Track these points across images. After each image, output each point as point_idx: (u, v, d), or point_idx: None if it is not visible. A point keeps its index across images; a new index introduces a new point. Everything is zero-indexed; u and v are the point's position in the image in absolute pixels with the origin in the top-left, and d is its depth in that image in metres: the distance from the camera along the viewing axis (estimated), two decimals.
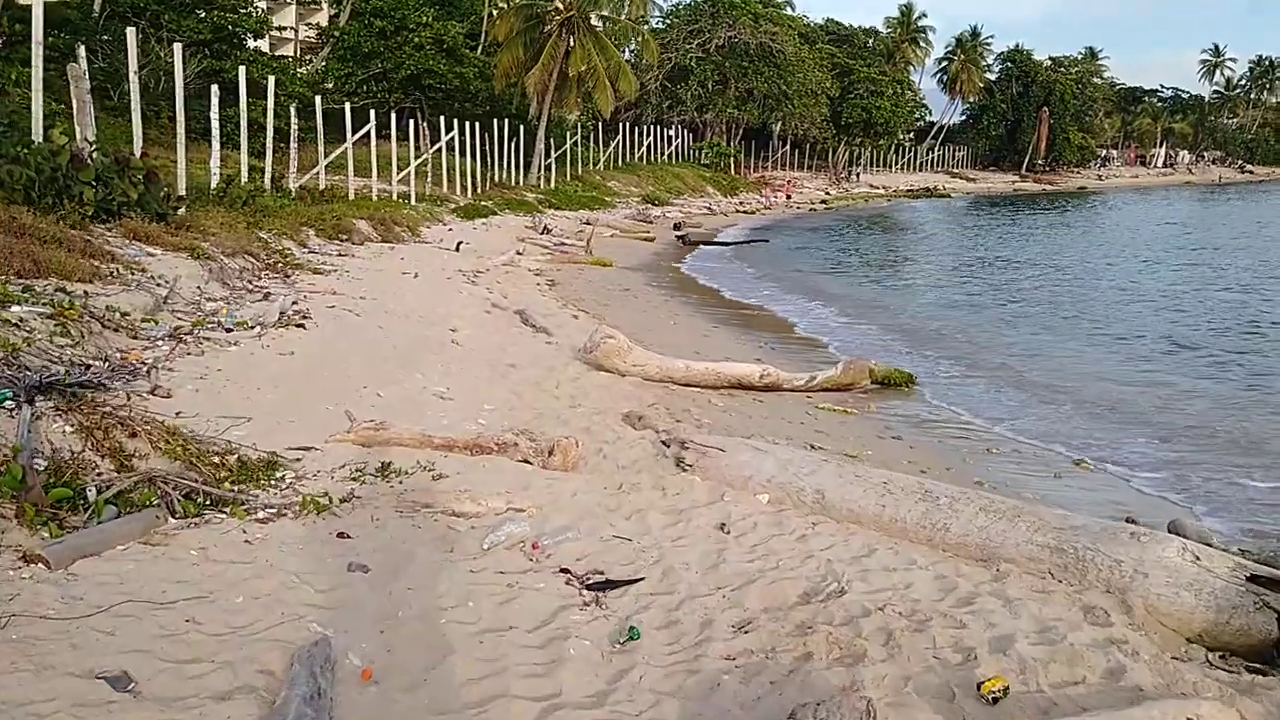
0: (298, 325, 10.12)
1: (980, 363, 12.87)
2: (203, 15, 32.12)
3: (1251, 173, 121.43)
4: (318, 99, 25.81)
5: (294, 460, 5.82)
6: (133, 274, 10.58)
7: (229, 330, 9.49)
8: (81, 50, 14.24)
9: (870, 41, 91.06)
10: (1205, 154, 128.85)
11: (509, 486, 5.60)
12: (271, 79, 22.47)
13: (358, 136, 26.18)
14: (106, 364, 7.32)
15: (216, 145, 19.07)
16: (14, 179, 11.48)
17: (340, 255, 17.72)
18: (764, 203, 59.20)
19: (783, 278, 24.76)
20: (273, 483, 5.42)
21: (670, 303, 17.93)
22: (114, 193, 12.82)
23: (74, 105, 14.44)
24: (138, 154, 14.89)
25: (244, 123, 20.32)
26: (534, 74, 41.89)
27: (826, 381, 10.15)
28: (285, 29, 50.85)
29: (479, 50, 45.98)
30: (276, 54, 43.41)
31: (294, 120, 23.43)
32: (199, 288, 11.64)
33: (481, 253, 21.47)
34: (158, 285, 10.58)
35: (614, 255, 25.45)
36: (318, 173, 24.68)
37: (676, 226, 40.08)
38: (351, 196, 25.43)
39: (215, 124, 18.93)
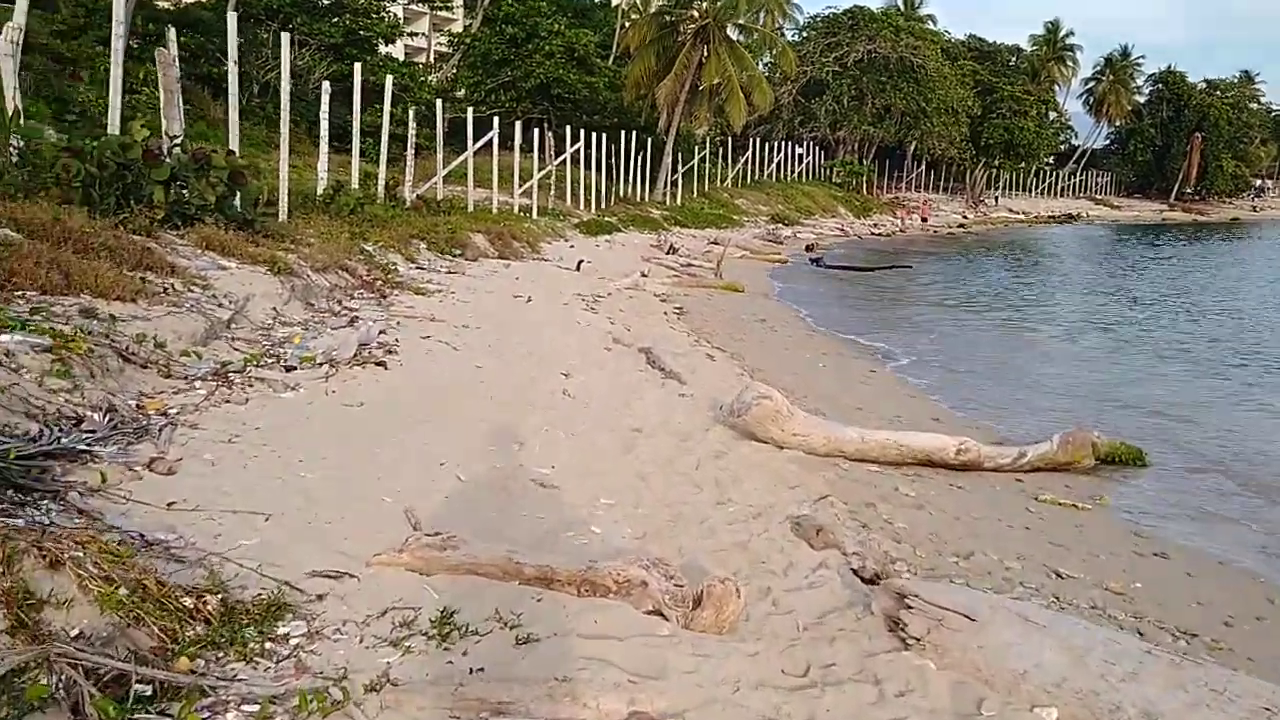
0: (377, 363, 8.30)
1: (1193, 439, 10.18)
2: (335, 20, 31.53)
3: None
4: (439, 103, 24.42)
5: (313, 599, 3.87)
6: (191, 291, 8.92)
7: (290, 369, 7.70)
8: (171, 33, 12.80)
9: (1014, 60, 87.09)
10: None
11: (634, 665, 3.53)
12: (389, 78, 21.08)
13: (479, 145, 24.71)
14: (108, 419, 5.52)
15: (325, 148, 17.71)
16: (70, 175, 10.00)
17: (450, 273, 16.04)
18: (899, 225, 56.25)
19: (942, 311, 22.19)
20: (270, 645, 3.47)
21: (814, 339, 15.66)
22: (190, 195, 11.31)
23: (161, 96, 13.05)
24: (235, 152, 13.40)
25: (356, 125, 18.90)
26: (665, 84, 40.28)
27: (1040, 459, 7.78)
28: (418, 34, 50.51)
29: (609, 60, 44.76)
30: (409, 61, 42.78)
31: (412, 125, 22.02)
32: (275, 309, 9.97)
33: (604, 273, 19.60)
34: (220, 306, 8.91)
35: (744, 278, 23.29)
36: (435, 182, 23.24)
37: (809, 248, 37.74)
38: (470, 208, 23.94)
39: (325, 125, 17.54)
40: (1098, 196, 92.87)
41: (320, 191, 17.46)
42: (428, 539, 4.19)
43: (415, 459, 5.92)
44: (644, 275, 20.83)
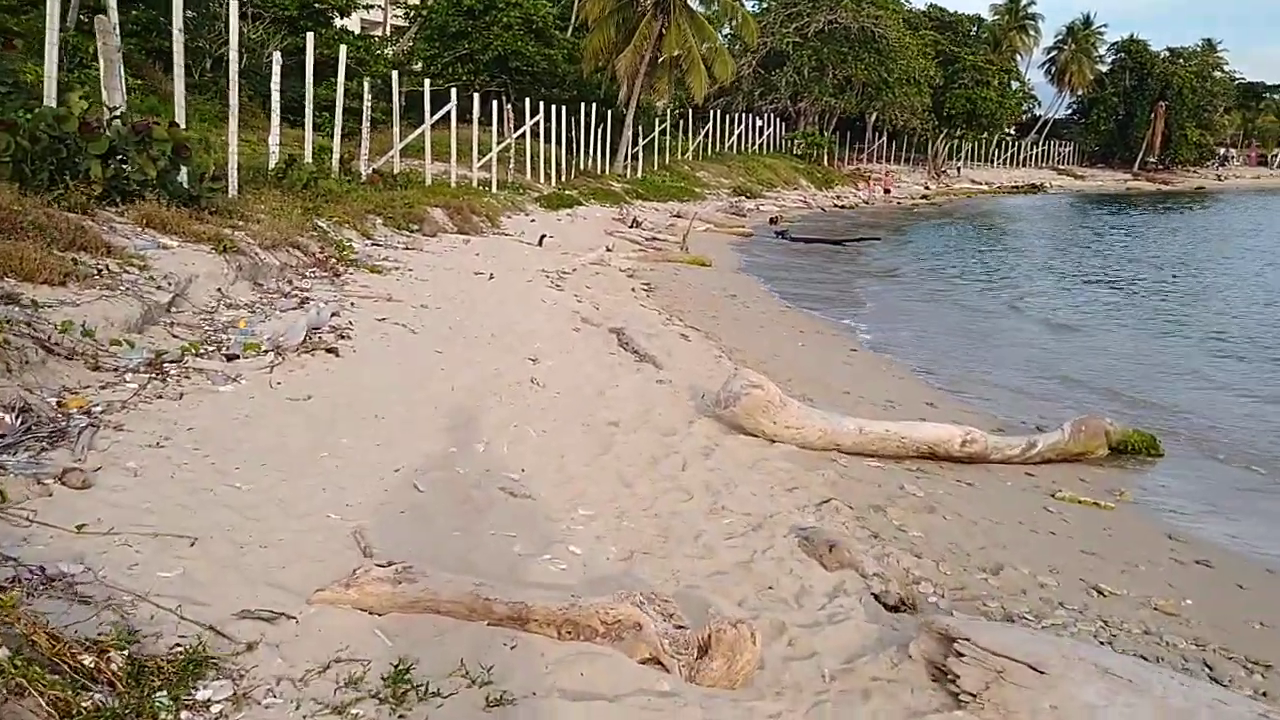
0: (328, 350, 7.63)
1: (1202, 425, 9.71)
2: None
3: None
4: (394, 75, 23.51)
5: (242, 649, 3.23)
6: (128, 273, 8.18)
7: (231, 358, 7.01)
8: (112, 1, 11.90)
9: (974, 29, 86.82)
10: None
11: None
12: (343, 48, 20.19)
13: (436, 118, 23.86)
14: (21, 420, 4.85)
15: (276, 121, 16.86)
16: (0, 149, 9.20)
17: (407, 249, 15.30)
18: (862, 196, 55.89)
19: (913, 285, 21.77)
20: (186, 716, 2.84)
21: (787, 316, 15.12)
22: (130, 170, 10.51)
23: (101, 65, 12.17)
24: (182, 125, 12.55)
25: (309, 97, 18.02)
26: (625, 56, 39.58)
27: (1051, 450, 7.26)
28: (373, 7, 49.18)
29: (568, 32, 43.95)
30: (365, 35, 41.61)
31: (368, 98, 21.13)
32: (220, 291, 9.25)
33: (567, 248, 18.92)
34: (159, 289, 8.18)
35: (710, 252, 22.74)
36: (392, 156, 22.38)
37: (773, 220, 37.36)
38: (428, 182, 23.11)
39: (276, 96, 16.67)
40: (1060, 167, 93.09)
41: (272, 166, 16.60)
42: (379, 570, 3.55)
43: (367, 464, 5.29)
44: (608, 250, 20.17)
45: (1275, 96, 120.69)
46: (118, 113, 11.14)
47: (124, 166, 10.59)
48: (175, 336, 7.44)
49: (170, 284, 8.48)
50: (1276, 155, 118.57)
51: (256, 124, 21.88)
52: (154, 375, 6.30)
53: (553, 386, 7.67)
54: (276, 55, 16.83)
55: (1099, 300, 20.33)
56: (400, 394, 6.83)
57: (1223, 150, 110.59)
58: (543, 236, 19.24)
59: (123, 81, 12.51)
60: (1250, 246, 35.41)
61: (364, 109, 21.12)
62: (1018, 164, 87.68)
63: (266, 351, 7.27)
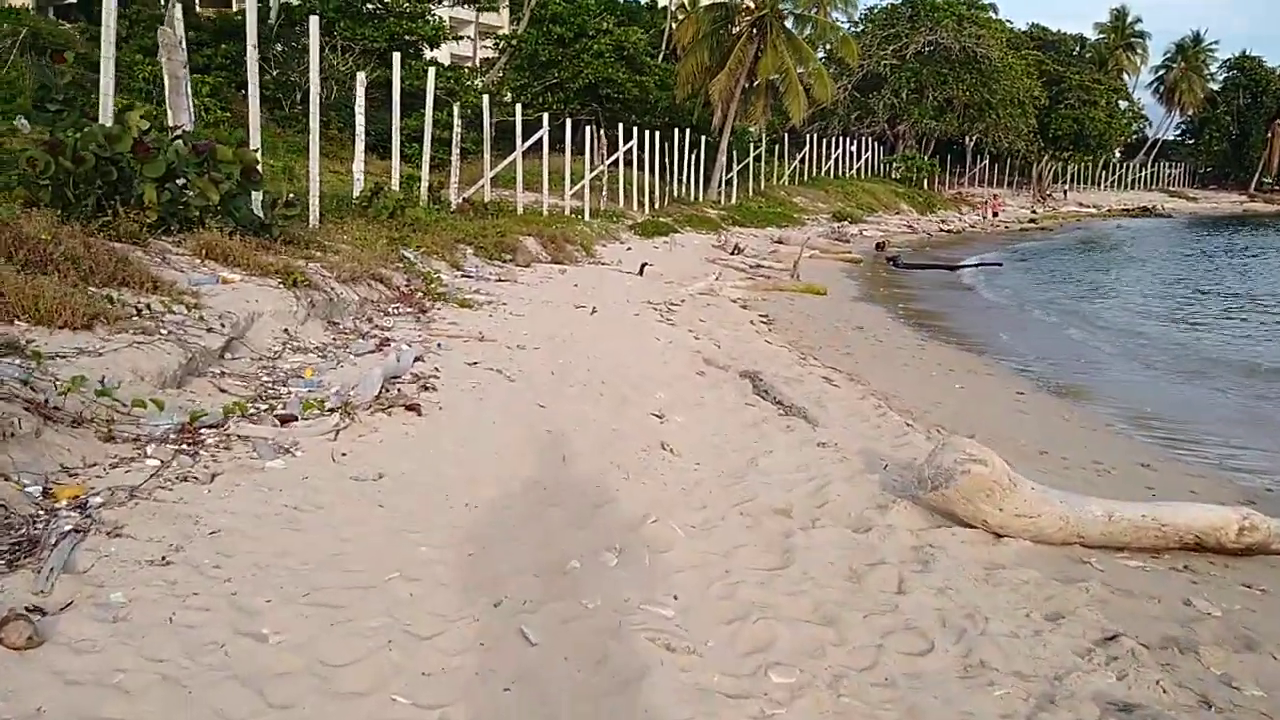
0: (409, 407, 6.11)
1: None
2: (379, 24, 30.12)
3: None
4: (485, 99, 22.38)
5: None
6: (174, 312, 6.82)
7: (285, 420, 5.54)
8: (178, 10, 10.79)
9: (1078, 49, 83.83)
10: None
11: None
12: (431, 72, 19.09)
13: (527, 145, 22.66)
14: None
15: (361, 146, 15.69)
16: (38, 171, 8.01)
17: (500, 281, 13.92)
18: (971, 221, 53.50)
19: (1055, 313, 19.69)
20: None
21: (930, 349, 13.29)
22: (191, 195, 9.28)
23: (166, 83, 11.07)
24: (255, 146, 11.36)
25: (395, 122, 16.87)
26: (720, 80, 38.23)
27: None
28: (464, 39, 48.85)
29: (659, 59, 42.94)
30: (455, 66, 41.10)
31: (458, 126, 20.00)
32: (286, 331, 7.88)
33: (670, 277, 17.38)
34: (210, 330, 6.80)
35: (821, 280, 20.97)
36: (483, 184, 21.18)
37: (879, 246, 35.40)
38: (519, 211, 21.86)
39: (360, 119, 15.51)
40: (1171, 189, 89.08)
41: (356, 194, 15.44)
42: None
43: (455, 590, 3.72)
44: (715, 279, 18.58)
45: None
46: (179, 133, 9.95)
47: (185, 191, 9.35)
48: (223, 391, 6.03)
49: (226, 325, 7.11)
50: None
51: (345, 155, 20.97)
52: (183, 447, 4.85)
53: (689, 453, 6.03)
54: (360, 76, 15.68)
55: None
56: (497, 468, 5.28)
57: None
58: (644, 265, 17.74)
59: (189, 100, 11.41)
60: None
61: (454, 138, 19.99)
62: (1126, 186, 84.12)
63: (332, 410, 5.78)
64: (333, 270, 9.92)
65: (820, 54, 51.26)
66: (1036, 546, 4.93)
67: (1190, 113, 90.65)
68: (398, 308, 10.28)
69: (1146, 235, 51.56)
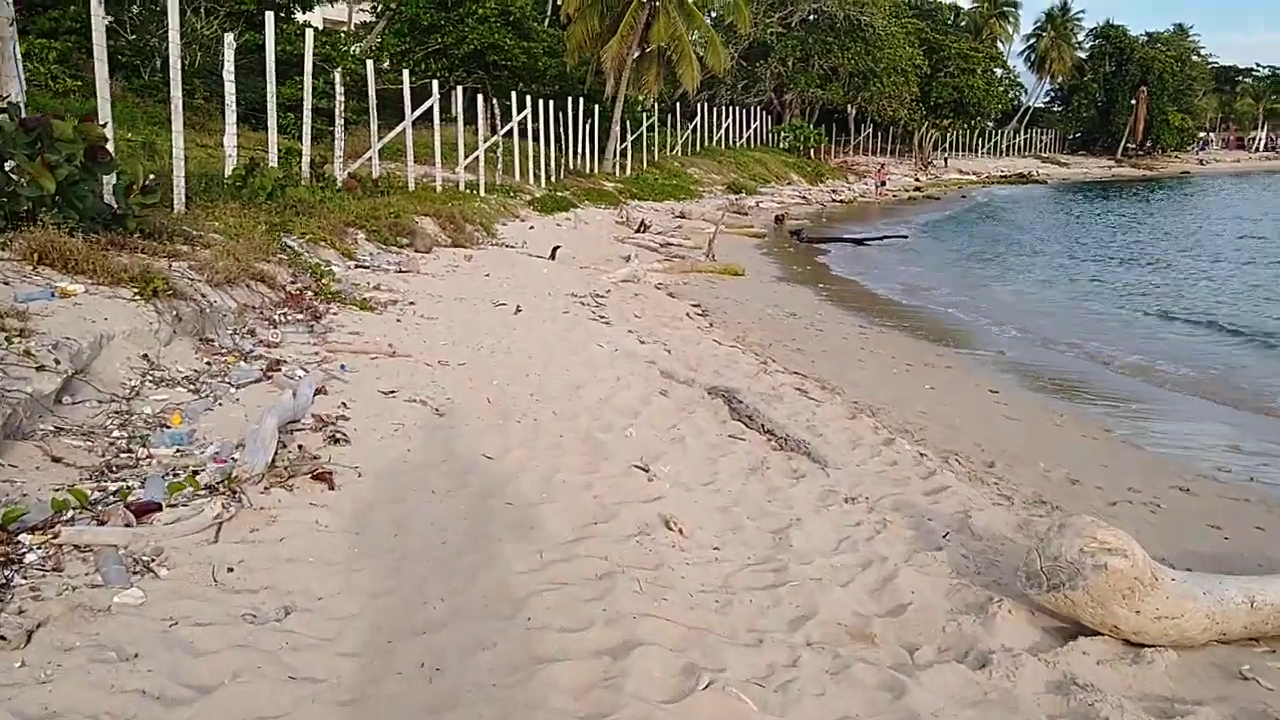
0: (316, 477, 4.55)
1: None
2: None
3: None
4: (369, 64, 20.40)
5: None
6: None
7: (143, 514, 3.94)
8: None
9: (953, 18, 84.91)
10: None
11: None
12: (309, 33, 17.09)
13: (417, 114, 20.76)
14: None
15: (231, 118, 13.70)
16: None
17: (401, 271, 12.24)
18: (860, 190, 53.32)
19: (983, 287, 19.02)
20: None
21: (874, 338, 12.27)
22: (20, 182, 7.42)
23: None
24: (105, 122, 9.40)
25: (270, 91, 14.88)
26: (611, 47, 36.64)
27: None
28: (338, 2, 45.96)
29: (546, 23, 41.24)
30: (329, 30, 38.43)
31: (339, 94, 18.01)
32: (146, 357, 6.18)
33: (584, 261, 15.94)
34: (41, 368, 5.10)
35: (733, 257, 19.85)
36: (370, 158, 19.25)
37: (778, 219, 34.64)
38: (411, 187, 20.01)
39: (230, 88, 13.52)
40: (1043, 155, 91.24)
41: (229, 173, 13.47)
42: None
43: None
44: (630, 260, 17.22)
45: (1249, 80, 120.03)
46: (3, 107, 8.03)
47: (11, 178, 7.47)
48: (56, 460, 4.38)
49: (63, 357, 5.39)
50: (1254, 138, 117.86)
51: (214, 127, 18.78)
52: None
53: (698, 529, 4.63)
54: (228, 38, 13.68)
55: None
56: (451, 583, 3.78)
57: (1202, 134, 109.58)
58: (555, 249, 16.21)
59: (19, 66, 9.40)
60: None
61: (336, 107, 17.98)
62: (1001, 153, 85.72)
63: (210, 487, 4.20)
64: (204, 271, 8.15)
65: (710, 17, 50.19)
66: (1181, 657, 3.74)
67: (1060, 80, 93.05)
68: (285, 314, 8.59)
69: (1030, 202, 52.29)
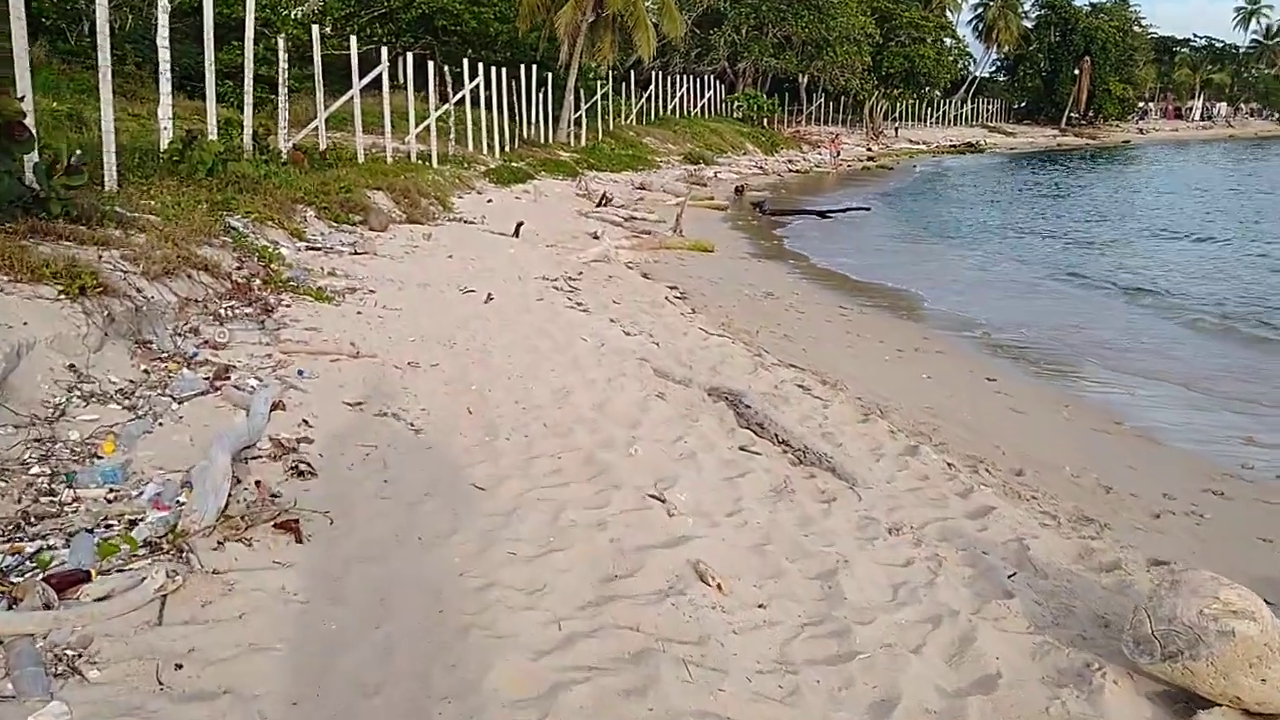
0: (281, 525, 3.79)
1: None
2: None
3: None
4: (315, 29, 19.27)
5: None
6: None
7: (66, 587, 3.17)
8: None
9: None
10: (1242, 106, 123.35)
11: None
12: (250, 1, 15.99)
13: (365, 81, 19.70)
14: None
15: (167, 87, 12.67)
16: None
17: (356, 254, 11.40)
18: (815, 160, 52.82)
19: (955, 260, 18.62)
20: None
21: (857, 320, 11.74)
22: None
23: None
24: (24, 94, 8.40)
25: (209, 51, 13.81)
26: (565, 12, 35.54)
27: None
28: None
29: None
30: None
31: (283, 57, 16.92)
32: (74, 367, 5.35)
33: (549, 238, 15.14)
34: None
35: (701, 232, 19.21)
36: (316, 126, 18.20)
37: (738, 190, 34.00)
38: (360, 158, 18.99)
39: (165, 54, 12.50)
40: (990, 124, 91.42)
41: (165, 146, 12.44)
42: None
43: None
44: (597, 236, 16.48)
45: (1186, 50, 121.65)
46: None
47: None
48: None
49: None
50: (1191, 108, 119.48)
51: (148, 95, 17.63)
52: None
53: (737, 580, 3.94)
54: (162, 1, 12.61)
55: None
56: (450, 675, 3.04)
57: (1142, 104, 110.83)
58: (519, 225, 15.36)
59: None
60: None
61: (280, 74, 16.89)
62: (949, 123, 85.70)
63: (149, 545, 3.43)
64: (139, 260, 7.27)
65: None
66: None
67: (1006, 50, 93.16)
68: (232, 307, 7.73)
69: (982, 171, 52.28)
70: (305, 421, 5.16)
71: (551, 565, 3.86)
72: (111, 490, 4.04)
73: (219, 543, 3.60)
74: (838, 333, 10.81)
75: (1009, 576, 4.19)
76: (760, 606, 3.78)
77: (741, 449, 5.62)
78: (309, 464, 4.50)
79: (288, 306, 8.05)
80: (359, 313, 8.13)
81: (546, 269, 11.69)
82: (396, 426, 5.27)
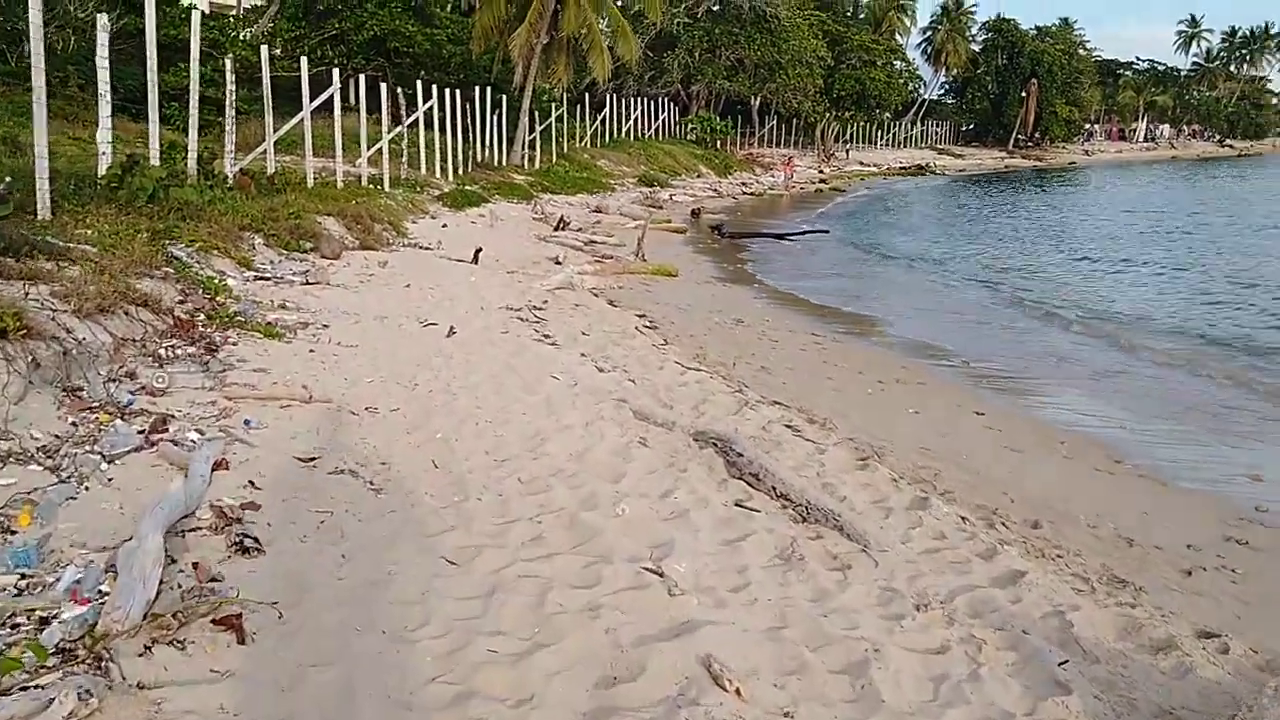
0: (220, 622, 3.23)
1: None
2: None
3: (1231, 146, 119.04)
4: (264, 50, 18.65)
5: None
6: None
7: None
8: None
9: (851, 10, 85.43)
10: (1185, 128, 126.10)
11: None
12: (195, 14, 15.40)
13: (316, 104, 19.10)
14: None
15: (106, 110, 12.08)
16: None
17: (308, 284, 10.80)
18: (769, 182, 52.88)
19: (915, 285, 18.37)
20: None
21: (832, 349, 11.36)
22: None
23: None
24: None
25: (151, 71, 13.15)
26: (520, 34, 35.06)
27: None
28: None
29: (449, 9, 39.67)
30: (217, 14, 36.00)
31: (230, 79, 16.28)
32: None
33: (509, 264, 14.63)
34: None
35: (662, 256, 18.85)
36: (265, 150, 17.55)
37: (694, 213, 33.71)
38: (310, 183, 18.33)
39: (104, 74, 11.90)
40: (939, 146, 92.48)
41: (103, 172, 11.78)
42: None
43: None
44: (559, 261, 16.00)
45: (1130, 73, 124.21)
46: None
47: None
48: None
49: None
50: (1134, 130, 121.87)
51: (91, 118, 16.86)
52: None
53: (756, 685, 3.40)
54: (102, 19, 12.00)
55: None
56: None
57: (1088, 126, 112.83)
58: (478, 251, 14.81)
59: None
60: None
61: (226, 95, 16.22)
62: (899, 145, 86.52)
63: (63, 653, 2.86)
64: (71, 296, 6.66)
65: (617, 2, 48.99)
66: None
67: (955, 73, 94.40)
68: (173, 347, 7.12)
69: (934, 194, 52.69)
70: (252, 483, 4.59)
71: (539, 667, 3.34)
72: (23, 576, 3.46)
73: (146, 646, 3.04)
74: (814, 362, 10.40)
75: (1060, 665, 3.73)
76: (786, 717, 3.27)
77: (737, 504, 5.14)
78: (255, 538, 3.94)
79: (234, 345, 7.45)
80: (311, 351, 7.55)
81: (509, 298, 11.17)
82: (354, 486, 4.72)
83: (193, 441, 5.07)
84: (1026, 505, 5.97)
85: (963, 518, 5.35)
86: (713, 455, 5.82)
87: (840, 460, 6.22)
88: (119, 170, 11.81)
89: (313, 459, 5.03)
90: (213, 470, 4.63)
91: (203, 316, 8.17)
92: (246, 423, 5.56)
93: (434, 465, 5.18)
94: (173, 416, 5.53)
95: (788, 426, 6.88)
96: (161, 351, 6.98)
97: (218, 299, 8.98)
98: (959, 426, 8.11)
